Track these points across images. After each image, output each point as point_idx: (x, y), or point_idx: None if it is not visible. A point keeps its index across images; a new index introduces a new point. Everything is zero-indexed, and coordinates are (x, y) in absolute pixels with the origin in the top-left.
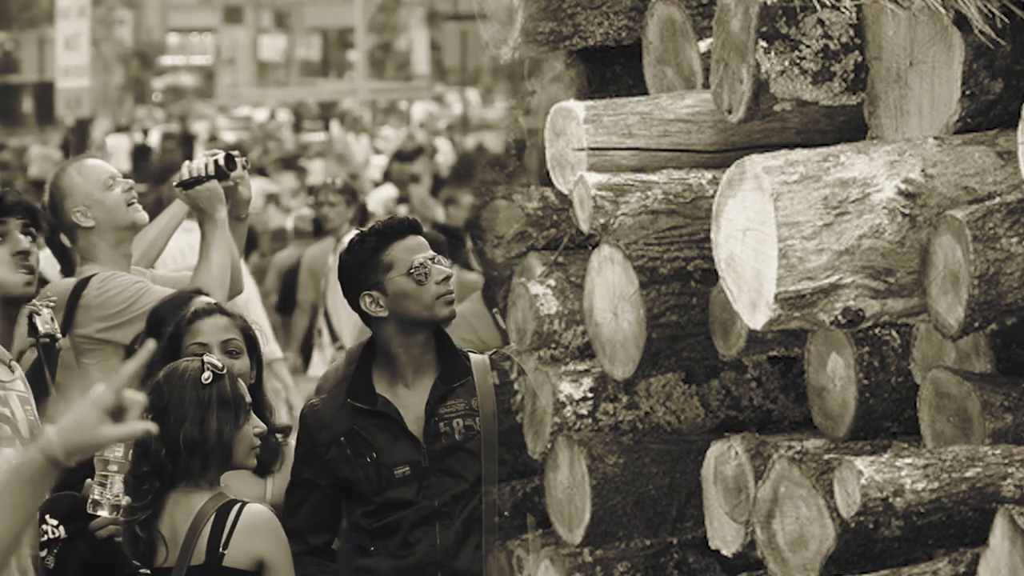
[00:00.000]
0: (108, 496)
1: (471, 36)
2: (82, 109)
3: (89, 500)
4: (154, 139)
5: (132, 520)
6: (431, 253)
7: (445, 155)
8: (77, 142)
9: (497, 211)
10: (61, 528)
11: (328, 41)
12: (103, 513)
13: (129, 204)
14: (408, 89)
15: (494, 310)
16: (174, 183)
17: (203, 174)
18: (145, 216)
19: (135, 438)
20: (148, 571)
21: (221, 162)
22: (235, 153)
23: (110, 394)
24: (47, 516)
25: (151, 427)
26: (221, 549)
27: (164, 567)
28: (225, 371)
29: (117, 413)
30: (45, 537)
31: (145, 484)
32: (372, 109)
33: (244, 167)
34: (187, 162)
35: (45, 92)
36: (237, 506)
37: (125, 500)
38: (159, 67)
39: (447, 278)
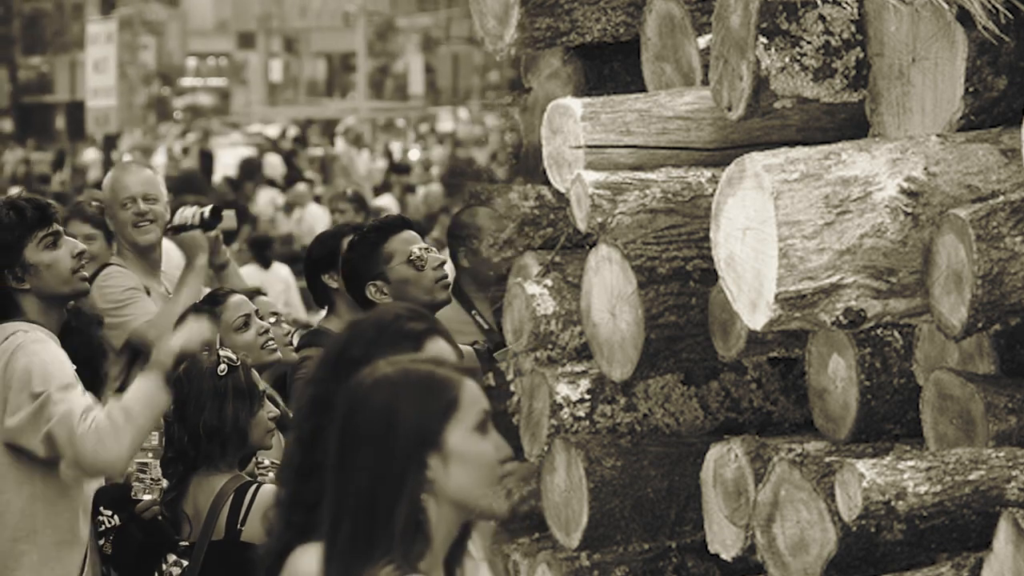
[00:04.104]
0: (149, 480)
1: (462, 60)
2: (109, 126)
3: (133, 487)
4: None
5: (160, 502)
6: (425, 244)
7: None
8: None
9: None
10: (116, 517)
11: (332, 64)
12: (147, 496)
13: (136, 225)
14: (405, 108)
15: (473, 311)
16: (166, 227)
17: (189, 223)
18: (151, 237)
19: None
20: (187, 543)
21: (207, 215)
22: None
23: None
24: (100, 507)
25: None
26: (239, 526)
27: (188, 542)
28: (239, 363)
29: None
30: (102, 527)
31: (170, 468)
32: (372, 126)
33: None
34: (180, 208)
35: (76, 110)
36: (254, 487)
37: (164, 482)
38: (179, 87)
39: (442, 264)
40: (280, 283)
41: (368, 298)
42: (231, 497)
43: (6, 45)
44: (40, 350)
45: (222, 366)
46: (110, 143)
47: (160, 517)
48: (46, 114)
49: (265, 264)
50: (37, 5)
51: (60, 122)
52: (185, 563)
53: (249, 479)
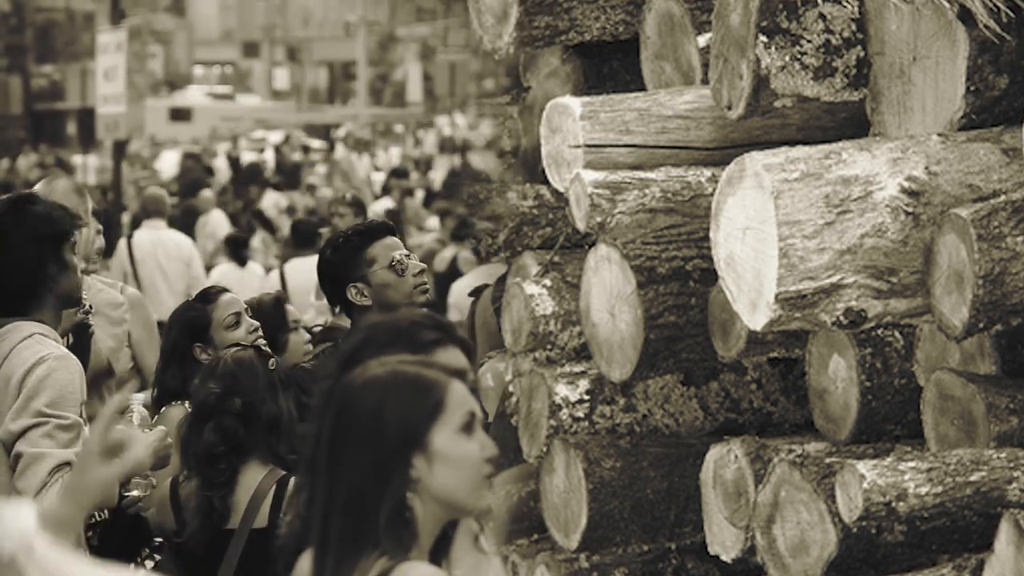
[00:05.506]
0: (139, 478)
1: (459, 68)
2: (119, 132)
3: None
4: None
5: (213, 495)
6: (406, 250)
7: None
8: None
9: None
10: (104, 511)
11: (334, 72)
12: (135, 492)
13: None
14: (403, 114)
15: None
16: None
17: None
18: None
19: (136, 470)
20: (160, 540)
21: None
22: None
23: (98, 436)
24: None
25: (146, 455)
26: (282, 515)
27: (228, 529)
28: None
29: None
30: (92, 520)
31: (223, 463)
32: (372, 132)
33: None
34: None
35: (87, 117)
36: (293, 478)
37: (152, 479)
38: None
39: (422, 271)
40: (256, 280)
41: (348, 300)
42: (273, 487)
43: (19, 54)
44: (64, 370)
45: (272, 360)
46: (119, 149)
47: (142, 514)
48: (58, 121)
49: (241, 262)
50: (49, 15)
51: (71, 128)
52: (158, 557)
53: (286, 472)
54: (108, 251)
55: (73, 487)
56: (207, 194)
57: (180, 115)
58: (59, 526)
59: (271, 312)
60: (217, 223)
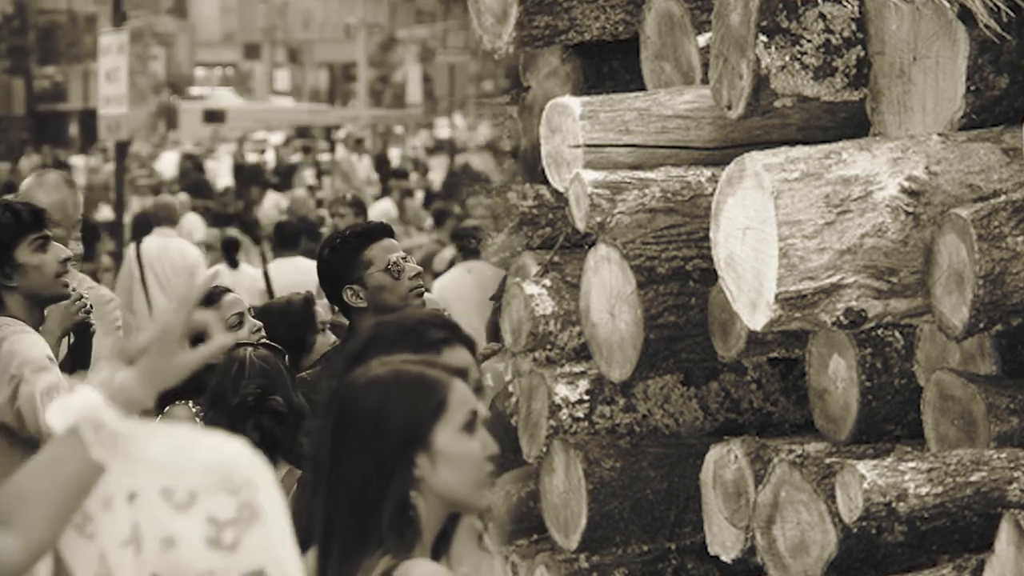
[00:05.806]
0: None
1: (458, 69)
2: (121, 133)
3: None
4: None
5: None
6: (404, 252)
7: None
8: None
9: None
10: None
11: (334, 74)
12: None
13: None
14: (403, 116)
15: None
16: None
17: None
18: None
19: (221, 353)
20: None
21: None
22: None
23: (181, 318)
24: None
25: (230, 339)
26: None
27: None
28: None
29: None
30: None
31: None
32: (372, 133)
33: None
34: None
35: (89, 118)
36: None
37: None
38: (188, 96)
39: (418, 274)
40: (248, 281)
41: (344, 301)
42: (295, 488)
43: (22, 56)
44: (22, 338)
45: (284, 356)
46: (122, 150)
47: None
48: (60, 122)
49: (233, 265)
50: (51, 17)
51: (73, 129)
52: None
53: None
54: (88, 254)
55: (150, 368)
56: (182, 197)
57: (214, 116)
58: (130, 405)
59: (300, 312)
60: (192, 227)
